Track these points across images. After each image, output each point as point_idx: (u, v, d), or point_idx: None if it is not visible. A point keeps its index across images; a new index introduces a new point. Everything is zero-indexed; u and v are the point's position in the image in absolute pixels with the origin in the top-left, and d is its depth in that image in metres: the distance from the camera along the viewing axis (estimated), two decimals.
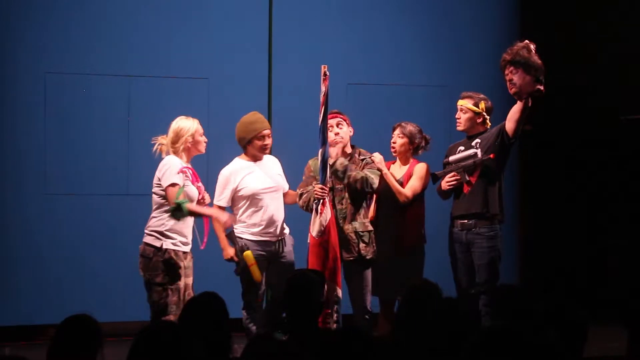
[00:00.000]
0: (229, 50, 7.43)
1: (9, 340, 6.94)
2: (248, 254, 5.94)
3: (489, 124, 6.14)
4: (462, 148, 6.15)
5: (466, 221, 5.98)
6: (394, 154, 6.35)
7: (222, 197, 6.08)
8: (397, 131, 6.32)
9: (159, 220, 5.76)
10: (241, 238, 6.02)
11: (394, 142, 6.32)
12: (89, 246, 7.12)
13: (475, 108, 6.11)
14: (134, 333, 3.22)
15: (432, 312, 3.78)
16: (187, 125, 5.84)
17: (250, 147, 6.09)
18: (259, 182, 6.04)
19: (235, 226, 6.04)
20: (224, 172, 6.11)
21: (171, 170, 5.73)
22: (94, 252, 7.13)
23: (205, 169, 7.40)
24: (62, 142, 7.09)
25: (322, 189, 5.88)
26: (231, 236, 6.03)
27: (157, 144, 5.88)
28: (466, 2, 7.98)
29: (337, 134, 6.10)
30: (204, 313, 3.78)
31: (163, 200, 5.74)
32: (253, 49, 7.47)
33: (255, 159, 6.11)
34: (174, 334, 3.17)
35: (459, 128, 6.18)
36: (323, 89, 5.85)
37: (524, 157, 8.10)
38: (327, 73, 5.87)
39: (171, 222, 5.73)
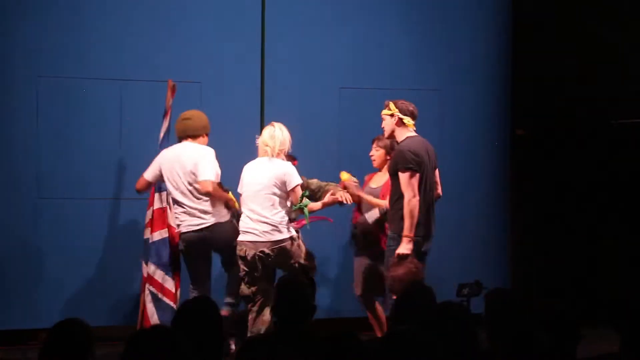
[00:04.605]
0: (222, 54, 7.42)
1: (1, 345, 6.92)
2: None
3: (410, 125, 6.22)
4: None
5: None
6: (374, 166, 6.72)
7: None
8: (374, 144, 6.69)
9: (283, 213, 6.12)
10: None
11: (371, 155, 6.69)
12: (81, 250, 7.10)
13: (387, 111, 6.24)
14: (126, 337, 3.22)
15: (425, 315, 3.79)
16: (288, 136, 6.21)
17: (205, 138, 6.46)
18: None
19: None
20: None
21: (295, 172, 6.17)
22: (86, 256, 7.10)
23: None
24: (55, 145, 7.07)
25: None
26: None
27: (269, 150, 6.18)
28: (459, 6, 7.98)
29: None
30: (198, 317, 3.78)
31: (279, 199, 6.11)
32: (245, 53, 7.46)
33: None
34: (167, 338, 3.17)
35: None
36: (170, 102, 6.46)
37: (516, 160, 8.12)
38: (176, 86, 6.53)
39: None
